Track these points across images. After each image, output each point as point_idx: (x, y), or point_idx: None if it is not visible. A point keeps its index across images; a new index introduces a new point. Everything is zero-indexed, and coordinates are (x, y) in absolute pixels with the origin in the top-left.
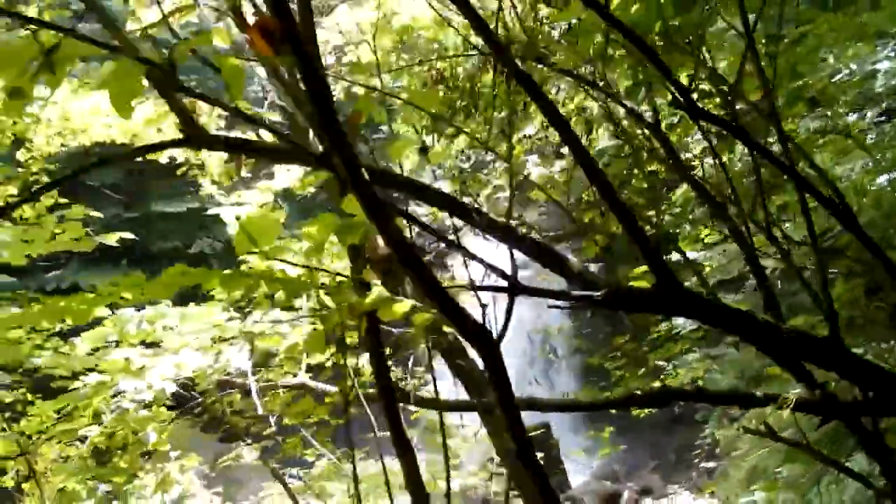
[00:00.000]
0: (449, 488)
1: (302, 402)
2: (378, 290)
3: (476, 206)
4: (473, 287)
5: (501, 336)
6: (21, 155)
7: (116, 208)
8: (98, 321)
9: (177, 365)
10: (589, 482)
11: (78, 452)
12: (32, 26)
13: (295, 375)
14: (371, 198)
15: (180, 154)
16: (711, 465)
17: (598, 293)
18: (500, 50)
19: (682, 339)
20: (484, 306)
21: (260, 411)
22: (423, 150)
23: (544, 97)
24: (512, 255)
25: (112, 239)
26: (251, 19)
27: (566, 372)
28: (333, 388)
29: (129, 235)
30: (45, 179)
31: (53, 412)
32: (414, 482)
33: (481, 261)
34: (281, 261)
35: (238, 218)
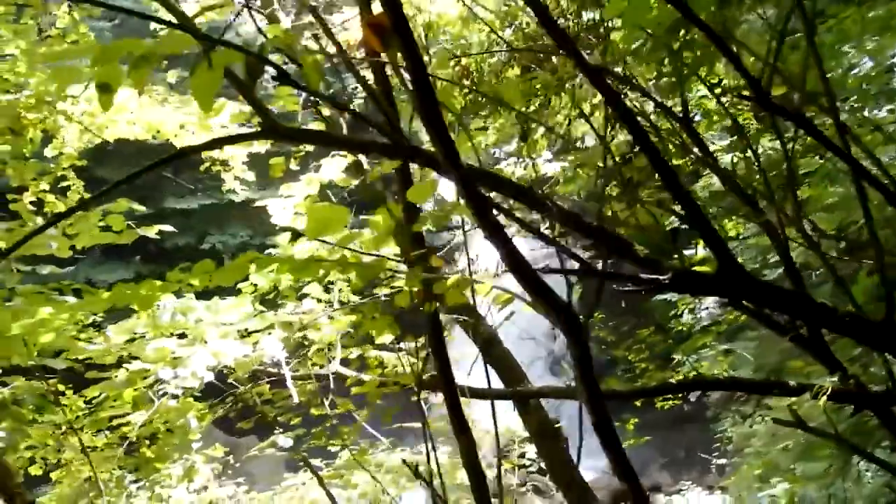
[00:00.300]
0: (500, 469)
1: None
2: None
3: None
4: (562, 271)
5: (590, 315)
6: (49, 151)
7: (130, 204)
8: (127, 314)
9: (214, 354)
10: (598, 479)
11: (120, 434)
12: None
13: (322, 367)
14: (472, 186)
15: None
16: (723, 462)
17: (666, 276)
18: (573, 47)
19: (707, 333)
20: (570, 285)
21: (296, 399)
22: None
23: (611, 91)
24: (610, 245)
25: (152, 231)
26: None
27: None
28: (367, 377)
29: (168, 228)
30: (72, 175)
31: (83, 402)
32: (471, 460)
33: (563, 248)
34: (347, 248)
35: (310, 208)
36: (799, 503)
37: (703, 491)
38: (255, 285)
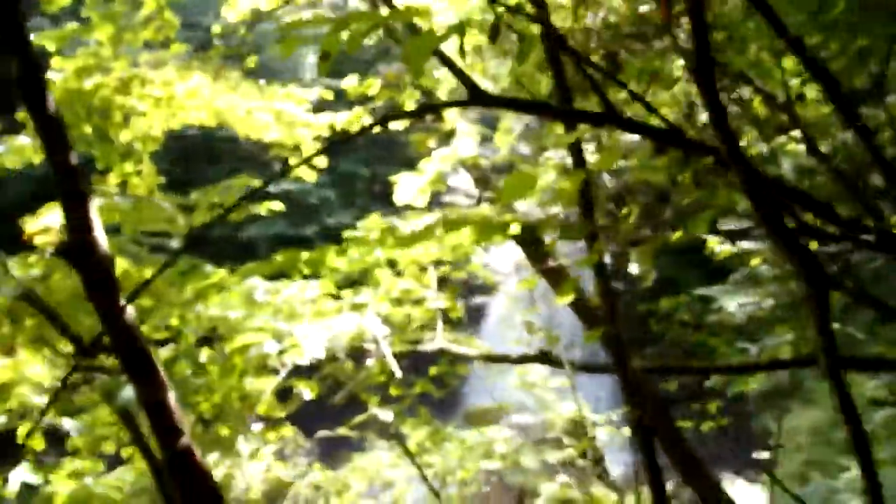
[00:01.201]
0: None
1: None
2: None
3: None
4: (816, 234)
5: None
6: (125, 136)
7: (166, 194)
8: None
9: (327, 327)
10: (630, 473)
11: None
12: None
13: (416, 345)
14: (747, 167)
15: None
16: (763, 456)
17: (871, 236)
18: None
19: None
20: (812, 252)
21: (398, 374)
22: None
23: (823, 69)
24: (815, 209)
25: (264, 208)
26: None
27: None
28: (474, 352)
29: (278, 206)
30: (146, 159)
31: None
32: (639, 424)
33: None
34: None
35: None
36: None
37: (745, 483)
38: (337, 269)
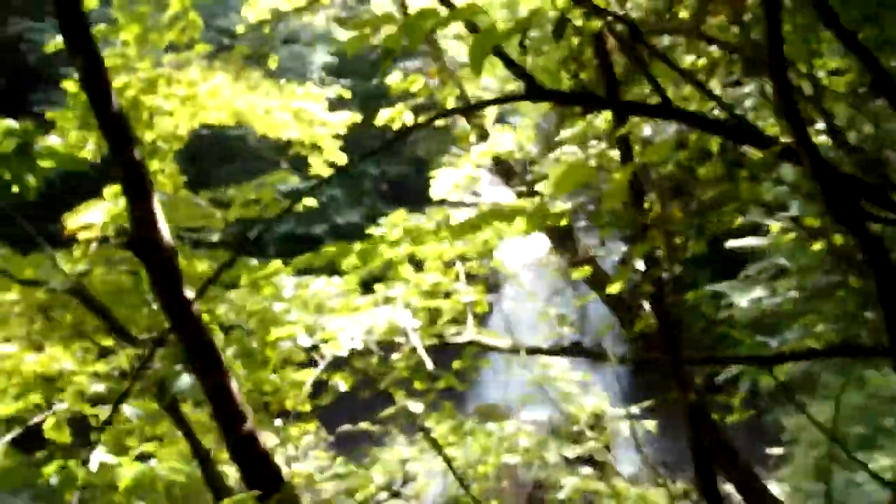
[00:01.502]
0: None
1: None
2: None
3: None
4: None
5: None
6: (150, 135)
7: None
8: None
9: (357, 323)
10: (639, 471)
11: None
12: None
13: (441, 337)
14: (817, 155)
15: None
16: (775, 452)
17: None
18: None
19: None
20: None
21: (430, 366)
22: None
23: (871, 56)
24: (873, 197)
25: (299, 206)
26: None
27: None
28: (504, 344)
29: (311, 202)
30: (170, 157)
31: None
32: (691, 411)
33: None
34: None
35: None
36: None
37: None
38: (360, 265)
